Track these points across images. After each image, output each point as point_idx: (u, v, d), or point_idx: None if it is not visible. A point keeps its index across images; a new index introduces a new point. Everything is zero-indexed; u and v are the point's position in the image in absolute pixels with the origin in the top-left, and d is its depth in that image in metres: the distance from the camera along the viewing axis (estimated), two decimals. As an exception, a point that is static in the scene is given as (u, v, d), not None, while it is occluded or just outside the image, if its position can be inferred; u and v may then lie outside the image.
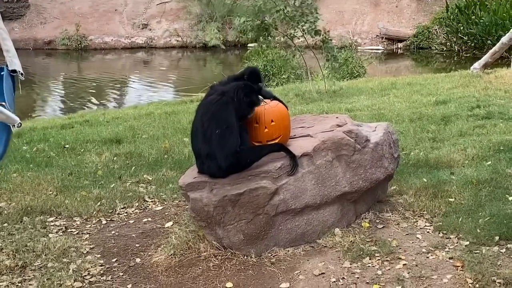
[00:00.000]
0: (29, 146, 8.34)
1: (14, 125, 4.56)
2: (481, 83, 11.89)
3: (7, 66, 4.80)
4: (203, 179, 4.85)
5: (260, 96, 5.03)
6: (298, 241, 4.93)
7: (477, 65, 13.48)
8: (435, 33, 24.73)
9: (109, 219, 5.81)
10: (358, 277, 4.43)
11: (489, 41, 21.21)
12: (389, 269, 4.51)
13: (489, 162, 6.59)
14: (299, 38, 12.37)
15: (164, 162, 7.33)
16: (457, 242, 4.86)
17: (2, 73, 4.75)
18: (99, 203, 6.05)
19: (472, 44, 23.09)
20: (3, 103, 4.52)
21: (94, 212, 5.88)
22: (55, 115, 15.21)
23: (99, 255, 5.05)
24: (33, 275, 4.67)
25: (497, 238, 4.83)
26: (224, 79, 5.11)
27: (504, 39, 13.16)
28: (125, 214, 5.90)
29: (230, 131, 4.62)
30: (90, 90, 19.42)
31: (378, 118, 8.86)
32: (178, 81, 21.44)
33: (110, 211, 5.94)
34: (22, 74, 4.82)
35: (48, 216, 5.80)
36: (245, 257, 4.81)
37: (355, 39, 25.55)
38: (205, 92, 5.28)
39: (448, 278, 4.33)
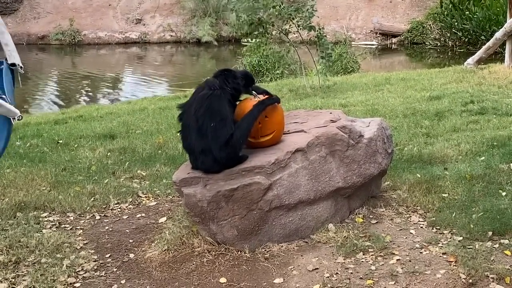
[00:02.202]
0: (23, 141, 8.32)
1: (15, 118, 4.60)
2: (475, 78, 11.92)
3: (6, 60, 4.80)
4: (197, 175, 4.85)
5: (253, 91, 5.04)
6: (292, 237, 4.93)
7: (470, 60, 13.51)
8: (429, 28, 24.79)
9: (103, 214, 5.80)
10: (351, 273, 4.43)
11: (482, 37, 21.27)
12: (382, 265, 4.51)
13: (483, 158, 6.60)
14: (294, 34, 12.39)
15: (158, 157, 7.32)
16: (450, 238, 4.87)
17: (1, 67, 4.76)
18: (92, 199, 6.04)
19: (466, 40, 23.16)
20: (3, 96, 4.54)
21: (88, 208, 5.87)
22: (48, 110, 15.16)
23: (92, 251, 5.04)
24: (27, 270, 4.66)
25: (490, 233, 4.84)
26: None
27: (497, 34, 13.18)
28: (118, 209, 5.90)
29: (224, 123, 4.63)
30: (84, 85, 19.38)
31: (372, 114, 8.87)
32: (171, 76, 21.41)
33: (104, 206, 5.94)
34: (21, 67, 4.83)
35: (41, 212, 5.78)
36: (239, 252, 4.81)
37: (349, 34, 25.56)
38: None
39: (442, 274, 4.34)
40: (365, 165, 5.21)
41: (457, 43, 23.67)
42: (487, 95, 10.10)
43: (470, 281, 4.23)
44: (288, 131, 5.23)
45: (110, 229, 5.46)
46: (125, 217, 5.72)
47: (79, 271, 4.69)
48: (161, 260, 4.81)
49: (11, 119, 4.64)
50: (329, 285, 4.28)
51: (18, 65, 4.79)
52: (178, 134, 5.13)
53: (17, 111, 4.59)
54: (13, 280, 4.53)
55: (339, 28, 25.91)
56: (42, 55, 25.21)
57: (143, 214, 5.74)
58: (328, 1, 26.84)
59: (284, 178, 4.79)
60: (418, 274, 4.36)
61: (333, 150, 5.06)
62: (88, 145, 8.00)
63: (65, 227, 5.51)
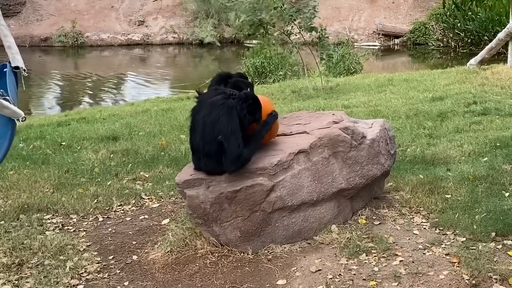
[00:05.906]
0: (26, 143, 8.33)
1: (19, 119, 4.64)
2: (478, 79, 11.89)
3: (9, 62, 4.82)
4: (200, 176, 4.85)
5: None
6: (295, 238, 4.93)
7: (473, 61, 13.48)
8: (432, 29, 24.73)
9: (106, 216, 5.80)
10: (354, 274, 4.43)
11: (485, 37, 21.22)
12: (385, 266, 4.51)
13: (486, 158, 6.60)
14: (296, 35, 12.37)
15: (160, 159, 7.32)
16: (453, 239, 4.87)
17: (5, 70, 4.79)
18: (95, 201, 6.04)
19: (469, 40, 23.09)
20: (8, 98, 4.57)
21: (91, 210, 5.88)
22: (51, 112, 15.16)
23: (95, 253, 5.05)
24: (30, 272, 4.67)
25: (493, 234, 4.84)
26: (218, 78, 5.13)
27: (500, 35, 13.16)
28: (121, 211, 5.90)
29: (234, 136, 4.57)
30: (87, 87, 19.39)
31: (374, 115, 8.86)
32: (174, 77, 21.41)
33: (107, 208, 5.94)
34: (24, 70, 4.85)
35: (44, 214, 5.79)
36: (242, 254, 4.81)
37: (351, 35, 25.52)
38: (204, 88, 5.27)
39: (445, 274, 4.34)
40: (368, 166, 5.21)
41: (459, 43, 23.61)
42: (490, 95, 10.09)
43: (473, 282, 4.23)
44: (291, 132, 5.23)
45: (113, 231, 5.46)
46: (128, 219, 5.72)
47: (82, 273, 4.70)
48: (164, 261, 4.81)
49: (15, 120, 4.69)
50: (332, 287, 4.28)
51: (22, 68, 4.82)
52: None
53: (21, 112, 4.64)
54: (16, 282, 4.54)
55: (341, 29, 25.88)
56: (45, 57, 25.20)
57: (146, 216, 5.74)
58: (330, 2, 26.79)
59: (287, 179, 4.79)
60: (421, 275, 4.36)
61: (335, 151, 5.06)
62: (91, 147, 8.00)
63: (68, 229, 5.52)
